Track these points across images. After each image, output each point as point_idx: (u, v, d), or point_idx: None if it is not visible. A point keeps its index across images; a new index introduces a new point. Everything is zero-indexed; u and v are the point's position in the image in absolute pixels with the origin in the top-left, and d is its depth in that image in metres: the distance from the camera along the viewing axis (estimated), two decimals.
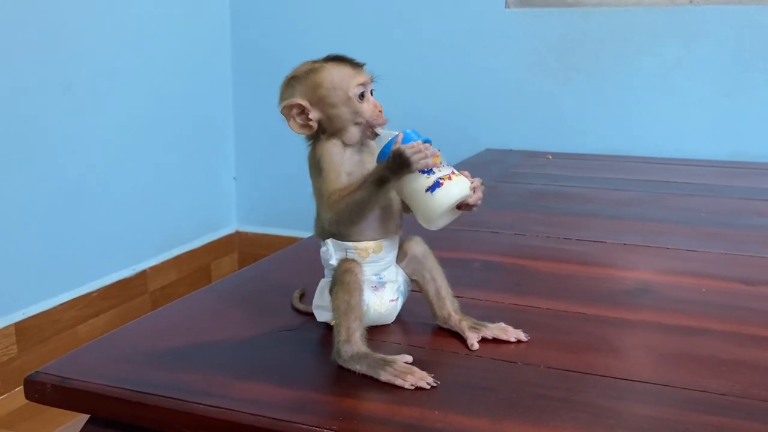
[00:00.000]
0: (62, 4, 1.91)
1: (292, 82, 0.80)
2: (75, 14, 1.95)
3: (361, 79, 0.79)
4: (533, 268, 1.12)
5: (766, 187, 1.73)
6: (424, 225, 0.79)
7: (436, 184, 0.75)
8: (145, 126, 2.24)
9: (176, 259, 2.41)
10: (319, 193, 0.78)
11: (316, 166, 0.79)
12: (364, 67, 0.81)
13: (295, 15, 2.52)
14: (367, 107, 0.79)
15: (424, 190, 0.75)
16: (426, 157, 0.73)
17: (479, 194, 0.78)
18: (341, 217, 0.76)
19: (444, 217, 0.78)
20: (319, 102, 0.79)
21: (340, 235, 0.80)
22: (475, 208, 0.78)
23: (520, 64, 2.29)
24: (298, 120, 0.79)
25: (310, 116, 0.79)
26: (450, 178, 0.76)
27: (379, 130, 0.79)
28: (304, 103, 0.78)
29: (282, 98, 0.80)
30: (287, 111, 0.79)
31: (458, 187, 0.76)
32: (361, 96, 0.79)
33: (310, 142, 0.82)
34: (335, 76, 0.79)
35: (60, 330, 1.96)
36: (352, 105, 0.78)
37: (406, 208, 0.82)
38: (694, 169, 1.96)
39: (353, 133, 0.79)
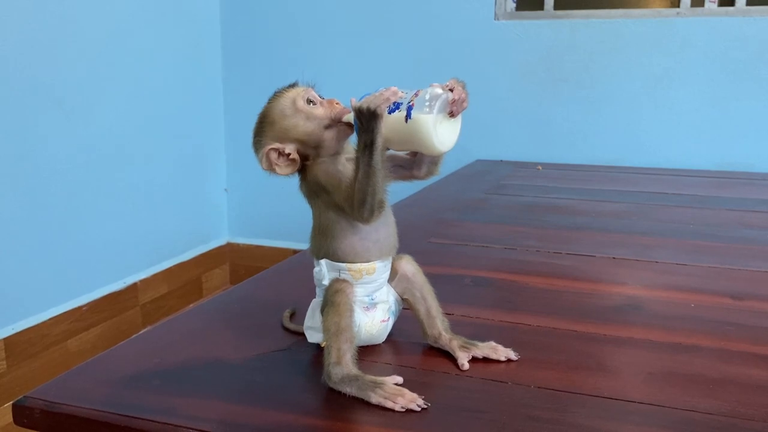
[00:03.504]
0: (56, 17, 1.90)
1: (256, 139, 0.81)
2: (66, 30, 1.95)
3: (300, 91, 0.80)
4: (523, 283, 1.12)
5: (754, 197, 1.75)
6: (435, 152, 0.76)
7: (409, 109, 0.74)
8: (136, 138, 2.23)
9: (167, 271, 2.40)
10: (336, 208, 0.78)
11: (315, 189, 0.80)
12: (297, 83, 0.82)
13: (285, 27, 2.52)
14: (321, 108, 0.80)
15: (405, 124, 0.74)
16: (384, 96, 0.73)
17: (459, 89, 0.75)
18: (370, 205, 0.74)
19: (443, 133, 0.74)
20: (286, 132, 0.79)
21: (336, 256, 0.80)
22: (465, 104, 0.76)
23: (510, 76, 2.30)
24: (281, 162, 0.80)
25: (287, 151, 0.79)
26: (417, 95, 0.74)
27: (347, 118, 0.78)
28: (275, 144, 0.79)
29: (259, 158, 0.80)
30: (267, 163, 0.79)
31: (428, 95, 0.74)
32: (311, 102, 0.80)
33: (299, 175, 0.82)
34: (279, 104, 0.80)
35: (50, 345, 1.95)
36: (308, 114, 0.79)
37: (414, 165, 0.81)
38: (682, 179, 1.97)
39: (330, 138, 0.79)
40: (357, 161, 0.74)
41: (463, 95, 0.76)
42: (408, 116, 0.74)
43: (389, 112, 0.74)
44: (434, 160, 0.82)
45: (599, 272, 1.18)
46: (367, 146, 0.73)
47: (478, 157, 2.28)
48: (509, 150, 2.31)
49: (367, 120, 0.72)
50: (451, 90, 0.75)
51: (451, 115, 0.75)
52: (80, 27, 2.00)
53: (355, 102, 0.74)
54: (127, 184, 2.21)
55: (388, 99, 0.73)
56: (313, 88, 0.82)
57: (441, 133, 0.74)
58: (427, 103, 0.73)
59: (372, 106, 0.72)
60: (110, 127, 2.13)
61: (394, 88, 0.75)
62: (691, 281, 1.13)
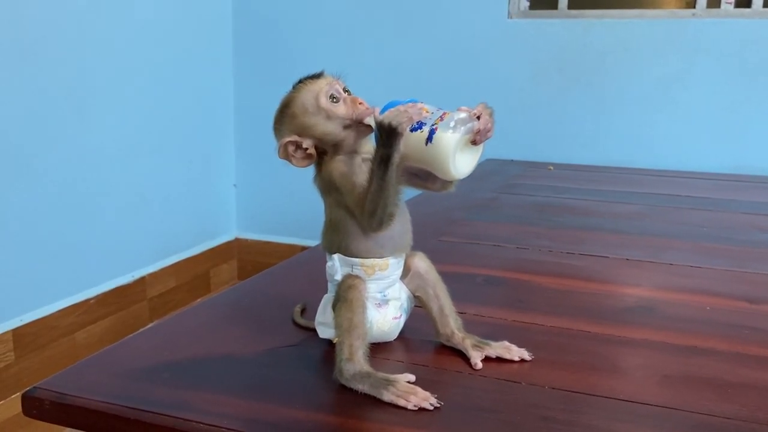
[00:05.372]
0: (65, 14, 1.90)
1: (276, 127, 0.80)
2: (78, 23, 1.95)
3: (324, 86, 0.78)
4: (536, 283, 1.11)
5: None
6: (450, 177, 0.75)
7: (431, 132, 0.72)
8: (146, 132, 2.23)
9: (175, 265, 2.40)
10: (347, 209, 0.77)
11: (328, 186, 0.79)
12: (323, 73, 0.80)
13: (297, 23, 2.52)
14: (344, 107, 0.77)
15: (424, 145, 0.72)
16: (408, 114, 0.71)
17: (485, 118, 0.73)
18: (379, 217, 0.74)
19: (461, 160, 0.73)
20: (305, 129, 0.78)
21: (348, 251, 0.79)
22: (489, 134, 0.74)
23: (522, 74, 2.29)
24: (298, 155, 0.79)
25: (305, 146, 0.78)
26: (442, 119, 0.73)
27: (368, 120, 0.76)
28: (293, 138, 0.78)
29: (277, 147, 0.80)
30: (284, 153, 0.79)
31: (453, 122, 0.72)
32: (334, 99, 0.77)
33: (315, 168, 0.81)
34: (302, 98, 0.78)
35: (57, 337, 1.95)
36: (329, 113, 0.77)
37: (429, 177, 0.79)
38: (696, 182, 1.95)
39: (348, 137, 0.78)
40: (371, 173, 0.73)
41: (489, 125, 0.74)
42: (429, 139, 0.72)
43: (411, 130, 0.73)
44: None
45: (612, 273, 1.17)
46: (383, 160, 0.71)
47: (489, 156, 2.26)
48: (520, 149, 2.30)
49: (386, 135, 0.71)
50: (478, 117, 0.74)
51: (474, 143, 0.74)
52: (90, 23, 2.00)
53: (377, 114, 0.73)
54: (136, 178, 2.21)
55: (411, 119, 0.72)
56: (339, 80, 0.79)
57: (459, 160, 0.73)
58: (451, 130, 0.72)
59: (394, 123, 0.70)
60: (121, 122, 2.13)
61: (420, 106, 0.74)
62: (706, 284, 1.11)
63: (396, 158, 0.72)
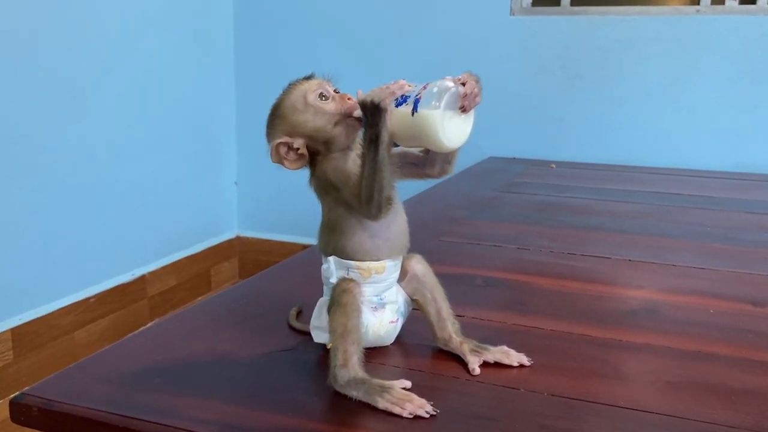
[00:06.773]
0: (66, 11, 1.89)
1: (268, 131, 0.79)
2: (77, 18, 1.93)
3: (313, 86, 0.77)
4: (537, 285, 1.09)
5: None
6: (443, 149, 0.72)
7: (416, 103, 0.70)
8: (146, 130, 2.22)
9: (176, 264, 2.38)
10: (345, 205, 0.76)
11: (324, 185, 0.77)
12: (314, 75, 0.79)
13: (299, 21, 2.50)
14: (332, 104, 0.76)
15: (411, 117, 0.70)
16: (390, 90, 0.70)
17: (471, 83, 0.71)
18: (377, 201, 0.72)
19: (451, 129, 0.71)
20: (294, 128, 0.77)
21: (344, 253, 0.77)
22: (477, 99, 0.72)
23: (524, 72, 2.27)
24: (290, 156, 0.77)
25: (296, 146, 0.77)
26: (425, 88, 0.71)
27: (357, 113, 0.75)
28: (284, 138, 0.77)
29: (269, 151, 0.78)
30: (276, 156, 0.77)
31: (436, 88, 0.70)
32: (324, 98, 0.76)
33: (310, 170, 0.80)
34: (291, 98, 0.77)
35: (57, 336, 1.94)
36: (318, 110, 0.76)
37: (427, 162, 0.79)
38: (699, 180, 1.93)
39: (339, 134, 0.76)
40: (363, 157, 0.72)
41: (476, 89, 0.72)
42: (414, 110, 0.70)
43: (396, 105, 0.71)
44: (447, 158, 0.80)
45: (615, 275, 1.15)
46: (372, 141, 0.70)
47: (491, 155, 2.24)
48: (522, 147, 2.28)
49: (371, 114, 0.70)
50: (463, 84, 0.72)
51: (463, 110, 0.72)
52: (93, 17, 1.98)
53: (361, 95, 0.72)
54: (136, 176, 2.19)
55: (393, 93, 0.71)
56: (329, 81, 0.78)
57: (449, 129, 0.71)
58: (435, 97, 0.70)
59: (376, 100, 0.69)
60: (122, 118, 2.12)
61: (402, 82, 0.72)
62: (710, 286, 1.09)
63: (384, 136, 0.70)
